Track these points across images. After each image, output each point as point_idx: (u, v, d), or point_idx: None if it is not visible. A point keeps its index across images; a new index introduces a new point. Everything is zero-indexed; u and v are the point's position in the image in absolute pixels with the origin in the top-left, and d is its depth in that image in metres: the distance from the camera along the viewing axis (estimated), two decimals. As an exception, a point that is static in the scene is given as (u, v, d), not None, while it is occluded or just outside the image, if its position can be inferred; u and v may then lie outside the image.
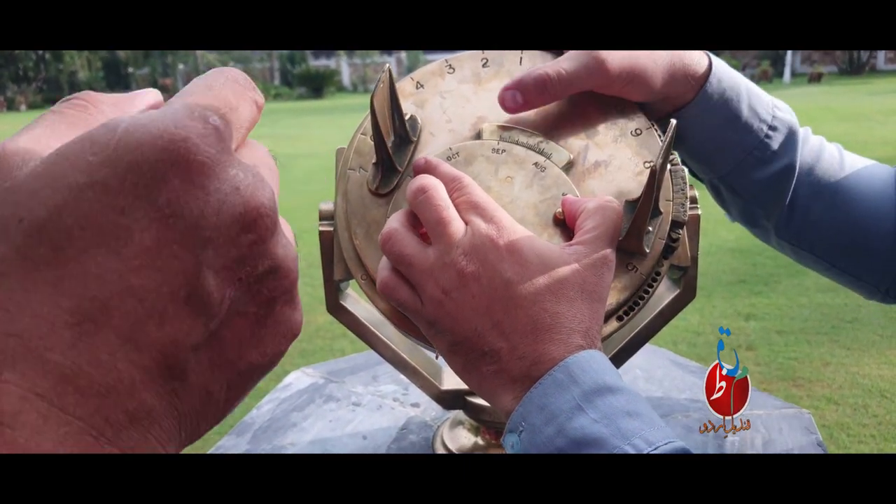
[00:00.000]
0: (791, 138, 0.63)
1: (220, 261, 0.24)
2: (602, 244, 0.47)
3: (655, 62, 0.56)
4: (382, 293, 0.50)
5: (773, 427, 0.75)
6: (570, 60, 0.54)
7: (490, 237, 0.45)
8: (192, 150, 0.23)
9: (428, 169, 0.51)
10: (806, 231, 0.66)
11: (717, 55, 0.62)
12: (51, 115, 0.27)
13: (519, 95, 0.54)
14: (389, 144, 0.55)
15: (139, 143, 0.22)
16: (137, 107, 0.28)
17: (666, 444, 0.40)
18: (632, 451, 0.39)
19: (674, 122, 0.48)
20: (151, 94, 0.29)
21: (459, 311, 0.45)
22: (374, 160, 0.56)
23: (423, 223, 0.48)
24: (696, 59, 0.59)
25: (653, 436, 0.40)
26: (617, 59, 0.54)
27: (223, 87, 0.27)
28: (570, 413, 0.41)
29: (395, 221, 0.49)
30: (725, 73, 0.60)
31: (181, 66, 41.43)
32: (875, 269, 0.66)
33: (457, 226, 0.47)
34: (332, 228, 0.58)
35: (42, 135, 0.25)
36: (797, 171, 0.63)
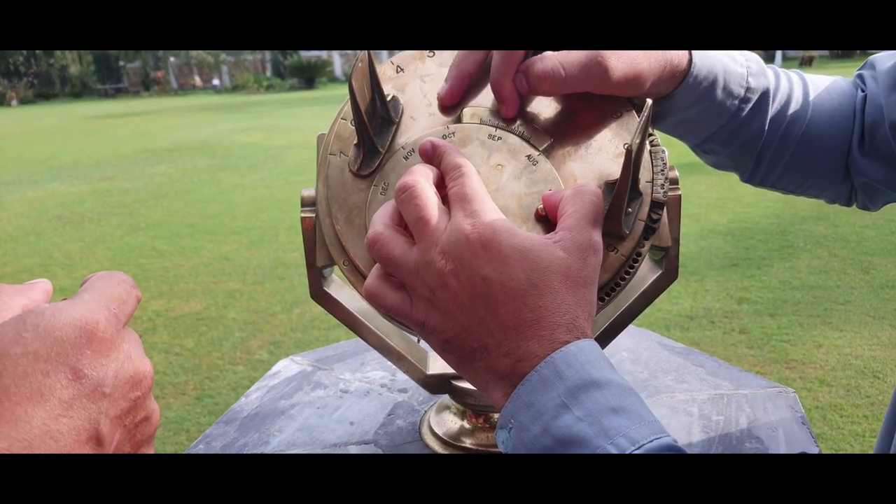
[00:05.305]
0: (762, 101, 0.65)
1: (114, 411, 0.33)
2: (584, 227, 0.46)
3: (651, 66, 0.56)
4: (369, 300, 0.49)
5: (759, 406, 0.75)
6: (575, 65, 0.53)
7: (465, 233, 0.44)
8: (101, 329, 0.33)
9: (434, 153, 0.50)
10: (773, 177, 0.71)
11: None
12: None
13: (525, 81, 0.53)
14: (370, 124, 0.54)
15: (64, 324, 0.32)
16: (37, 293, 0.39)
17: (650, 441, 0.39)
18: (614, 451, 0.39)
19: (650, 101, 0.48)
20: (44, 283, 0.40)
21: (445, 309, 0.45)
22: (355, 142, 0.56)
23: (406, 222, 0.47)
24: (679, 57, 0.59)
25: (637, 433, 0.40)
26: (620, 68, 0.53)
27: (116, 287, 0.37)
28: (556, 411, 0.41)
29: (379, 223, 0.48)
30: (703, 64, 0.60)
31: (172, 59, 41.24)
32: (835, 183, 0.72)
33: (437, 223, 0.46)
34: (313, 215, 0.58)
35: None
36: (766, 131, 0.66)
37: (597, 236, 0.47)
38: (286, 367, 0.92)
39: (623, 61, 0.53)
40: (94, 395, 0.32)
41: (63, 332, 0.32)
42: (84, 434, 0.32)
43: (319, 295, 0.63)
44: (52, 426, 0.30)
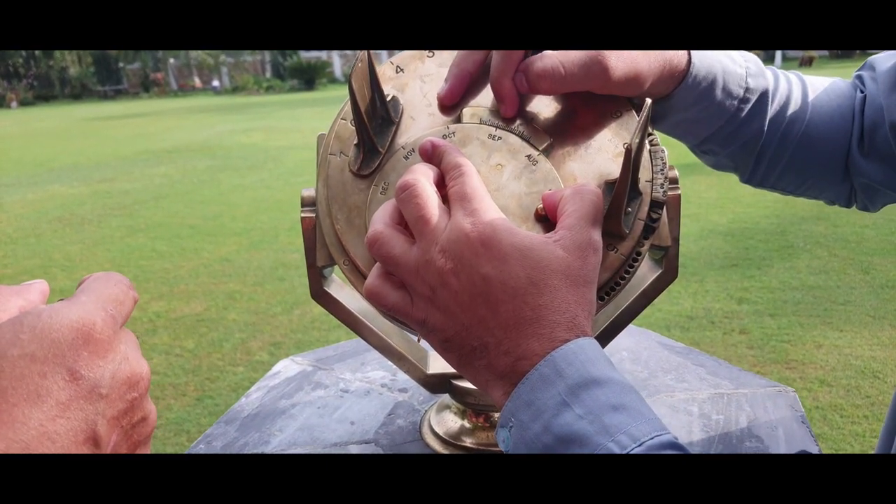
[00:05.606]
0: (761, 101, 0.65)
1: (111, 412, 0.33)
2: (584, 226, 0.46)
3: (650, 66, 0.56)
4: (369, 300, 0.49)
5: (759, 405, 0.75)
6: (575, 64, 0.53)
7: (465, 231, 0.44)
8: (98, 331, 0.33)
9: (434, 153, 0.50)
10: (772, 178, 0.71)
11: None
12: None
13: (524, 80, 0.53)
14: (370, 124, 0.54)
15: (60, 325, 0.32)
16: (33, 294, 0.39)
17: (651, 438, 0.39)
18: (615, 448, 0.39)
19: (649, 101, 0.48)
20: (41, 284, 0.40)
21: (446, 307, 0.45)
22: (355, 142, 0.56)
23: (406, 221, 0.47)
24: (679, 57, 0.59)
25: (638, 430, 0.40)
26: (620, 67, 0.53)
27: (113, 288, 0.37)
28: (556, 409, 0.41)
29: (379, 222, 0.48)
30: (702, 64, 0.60)
31: (172, 61, 41.26)
32: (834, 184, 0.72)
33: (437, 222, 0.46)
34: (313, 215, 0.58)
35: None
36: (765, 131, 0.67)
37: (596, 235, 0.47)
38: (286, 367, 0.92)
39: (623, 61, 0.53)
40: (90, 396, 0.32)
41: (60, 333, 0.32)
42: (81, 435, 0.32)
43: (320, 295, 0.63)
44: (49, 427, 0.31)
